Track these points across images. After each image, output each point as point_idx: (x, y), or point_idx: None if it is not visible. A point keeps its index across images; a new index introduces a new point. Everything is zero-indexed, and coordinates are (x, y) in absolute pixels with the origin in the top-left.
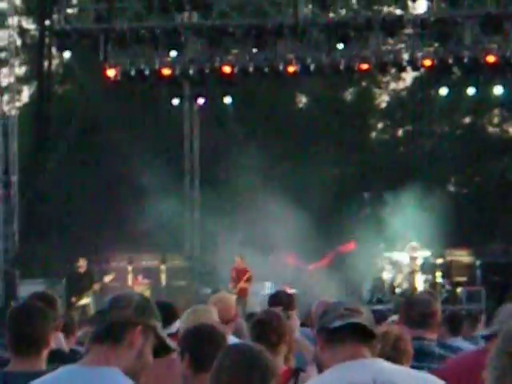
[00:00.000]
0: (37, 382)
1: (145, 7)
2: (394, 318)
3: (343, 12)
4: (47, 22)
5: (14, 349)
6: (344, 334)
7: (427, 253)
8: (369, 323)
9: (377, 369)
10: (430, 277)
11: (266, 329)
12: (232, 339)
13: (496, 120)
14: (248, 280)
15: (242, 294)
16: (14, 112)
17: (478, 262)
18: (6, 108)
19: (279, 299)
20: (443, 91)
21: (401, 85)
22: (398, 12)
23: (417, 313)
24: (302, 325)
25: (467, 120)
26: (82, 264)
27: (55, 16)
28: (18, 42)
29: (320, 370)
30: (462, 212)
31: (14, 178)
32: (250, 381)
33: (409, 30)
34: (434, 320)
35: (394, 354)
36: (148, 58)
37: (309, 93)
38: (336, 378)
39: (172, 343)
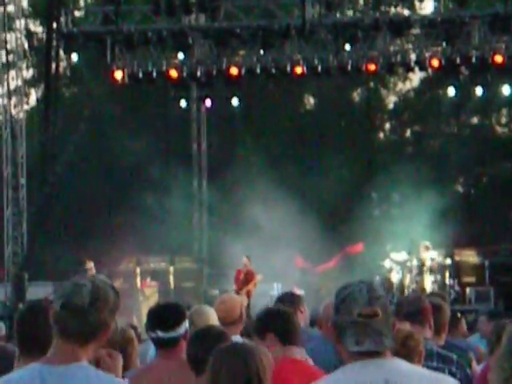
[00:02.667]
0: (2, 381)
1: (152, 9)
2: None
3: (350, 13)
4: (54, 25)
5: (20, 349)
6: None
7: (436, 253)
8: (384, 327)
9: (391, 369)
10: (438, 277)
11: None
12: (238, 339)
13: (504, 120)
14: (255, 284)
15: (248, 296)
16: (21, 115)
17: (486, 263)
18: (13, 111)
19: (286, 300)
20: (451, 91)
21: (408, 85)
22: (406, 12)
23: (405, 310)
24: (311, 325)
25: (475, 120)
26: (90, 266)
27: (62, 19)
28: (26, 45)
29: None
30: (471, 212)
31: (23, 181)
32: (247, 378)
33: (416, 31)
34: (422, 316)
35: (403, 352)
36: (155, 59)
37: (316, 94)
38: (348, 377)
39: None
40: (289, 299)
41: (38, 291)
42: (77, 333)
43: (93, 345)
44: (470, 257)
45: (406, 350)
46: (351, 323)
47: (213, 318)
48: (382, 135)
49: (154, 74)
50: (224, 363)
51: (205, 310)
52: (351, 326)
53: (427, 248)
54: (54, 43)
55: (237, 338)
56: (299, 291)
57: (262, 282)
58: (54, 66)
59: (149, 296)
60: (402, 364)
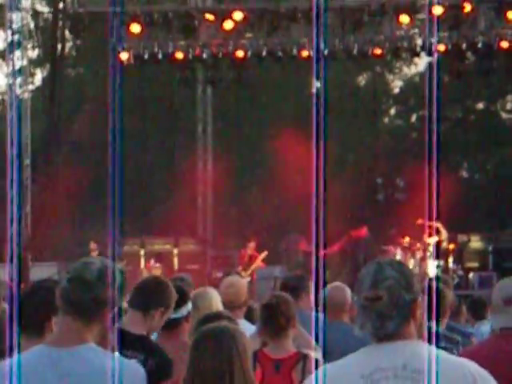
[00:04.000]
0: (9, 364)
1: None
2: None
3: None
4: (61, 5)
5: (21, 331)
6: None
7: (439, 238)
8: (391, 309)
9: (409, 353)
10: (442, 262)
11: (275, 312)
12: (243, 323)
13: (509, 106)
14: (258, 264)
15: (251, 278)
16: (26, 95)
17: (489, 248)
18: (18, 91)
19: (288, 283)
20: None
21: (414, 70)
22: None
23: None
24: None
25: (480, 105)
26: (94, 247)
27: None
28: (32, 25)
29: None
30: (475, 198)
31: (27, 161)
32: (229, 359)
33: (422, 15)
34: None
35: None
36: (161, 41)
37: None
38: (364, 360)
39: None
40: (295, 281)
41: (41, 271)
42: (83, 308)
43: (98, 324)
44: (474, 242)
45: None
46: (360, 306)
47: (216, 300)
48: (387, 120)
49: (160, 56)
50: (206, 344)
51: (208, 292)
52: (360, 308)
53: (430, 234)
54: (60, 23)
55: (242, 322)
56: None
57: (264, 257)
58: (59, 46)
59: None
60: (423, 347)
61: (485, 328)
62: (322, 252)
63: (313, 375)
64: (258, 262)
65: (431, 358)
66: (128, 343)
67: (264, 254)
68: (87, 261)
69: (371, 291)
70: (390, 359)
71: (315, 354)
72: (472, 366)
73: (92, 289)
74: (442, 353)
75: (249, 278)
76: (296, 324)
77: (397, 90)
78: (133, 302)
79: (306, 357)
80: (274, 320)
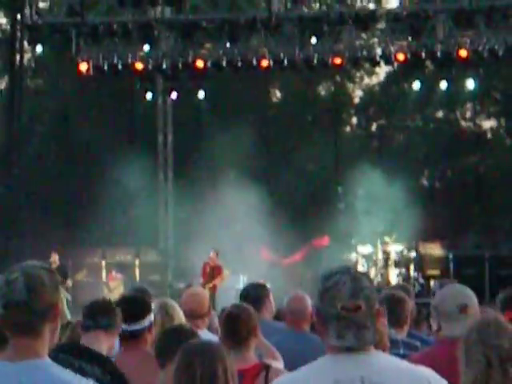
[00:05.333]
0: None
1: (117, 1)
2: None
3: (316, 6)
4: (19, 16)
5: None
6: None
7: (400, 246)
8: (367, 320)
9: (368, 365)
10: (403, 270)
11: (236, 323)
12: (206, 333)
13: (468, 114)
14: (222, 279)
15: (213, 291)
16: None
17: (450, 255)
18: None
19: (249, 292)
20: (416, 85)
21: (374, 79)
22: (371, 6)
23: None
24: (276, 318)
25: (440, 114)
26: (55, 259)
27: (27, 10)
28: None
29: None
30: (435, 205)
31: None
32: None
33: (382, 25)
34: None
35: None
36: (121, 52)
37: (282, 87)
38: (321, 371)
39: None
40: (255, 291)
41: None
42: (27, 326)
43: (48, 328)
44: (434, 250)
45: None
46: (334, 316)
47: (180, 311)
48: (348, 129)
49: (120, 67)
50: (194, 360)
51: (174, 303)
52: (334, 318)
53: (390, 243)
54: (19, 35)
55: (205, 332)
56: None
57: (228, 277)
58: (18, 57)
59: (113, 288)
60: (382, 358)
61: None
62: (284, 261)
63: None
64: (220, 279)
65: (389, 369)
66: (87, 359)
67: (226, 273)
68: (8, 279)
69: (350, 301)
70: (348, 371)
71: (277, 364)
72: (431, 375)
73: (28, 307)
74: (401, 362)
75: (209, 292)
76: (258, 334)
77: (357, 100)
78: (98, 321)
79: (268, 367)
80: (235, 331)
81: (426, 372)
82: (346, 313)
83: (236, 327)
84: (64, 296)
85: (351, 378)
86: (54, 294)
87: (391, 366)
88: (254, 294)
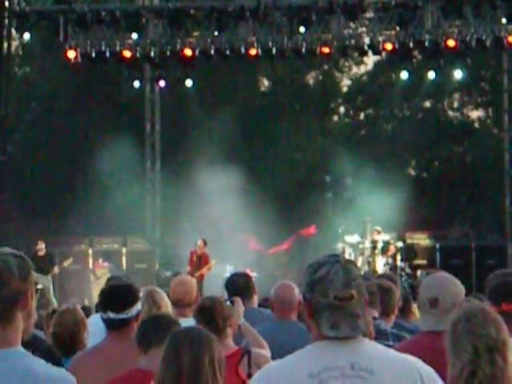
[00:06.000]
0: None
1: None
2: None
3: None
4: (6, 3)
5: None
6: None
7: (387, 236)
8: (359, 309)
9: (357, 352)
10: (390, 260)
11: (211, 314)
12: (191, 321)
13: (456, 104)
14: (209, 269)
15: (200, 279)
16: None
17: (437, 246)
18: None
19: (235, 282)
20: (404, 75)
21: (362, 69)
22: None
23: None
24: (263, 307)
25: (427, 104)
26: (42, 247)
27: None
28: None
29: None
30: (422, 195)
31: None
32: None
33: (370, 14)
34: (371, 299)
35: None
36: (109, 40)
37: (270, 76)
38: (311, 358)
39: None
40: (239, 280)
41: None
42: None
43: (19, 315)
44: (421, 240)
45: None
46: (327, 305)
47: (167, 300)
48: (336, 118)
49: (108, 54)
50: (181, 348)
51: (162, 291)
52: (327, 308)
53: (378, 232)
54: (6, 22)
55: (191, 320)
56: (252, 273)
57: (215, 266)
58: (5, 44)
59: (100, 276)
60: (371, 346)
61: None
62: (270, 250)
63: (259, 372)
64: (207, 268)
65: (378, 357)
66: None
67: (213, 263)
68: None
69: (343, 291)
70: (338, 358)
71: (264, 352)
72: (419, 364)
73: None
74: (390, 351)
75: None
76: (233, 325)
77: (345, 89)
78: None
79: (249, 351)
80: (211, 322)
81: (415, 361)
82: (340, 302)
83: (212, 318)
84: (49, 283)
85: (341, 365)
86: (24, 282)
87: (381, 353)
88: (239, 283)
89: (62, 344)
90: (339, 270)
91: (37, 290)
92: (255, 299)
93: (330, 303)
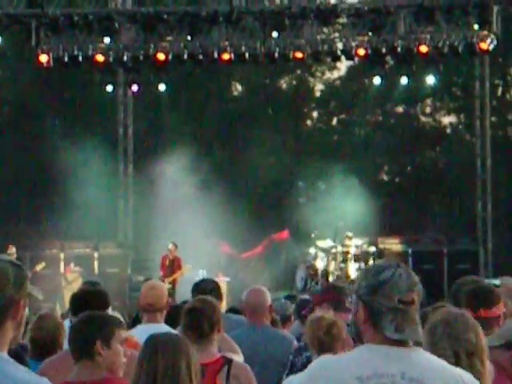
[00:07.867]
0: None
1: None
2: None
3: (278, 0)
4: None
5: None
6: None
7: (360, 241)
8: (418, 315)
9: (409, 361)
10: (362, 264)
11: (199, 317)
12: (164, 327)
13: (428, 109)
14: (182, 274)
15: (173, 284)
16: None
17: (409, 251)
18: None
19: (202, 287)
20: (376, 80)
21: (335, 74)
22: (333, 1)
23: (330, 298)
24: (235, 312)
25: (400, 109)
26: (12, 252)
27: None
28: None
29: (359, 337)
30: (395, 201)
31: None
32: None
33: (343, 20)
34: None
35: (327, 339)
36: (81, 44)
37: (243, 81)
38: (362, 361)
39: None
40: (206, 288)
41: None
42: None
43: (9, 324)
44: (394, 245)
45: (329, 337)
46: (391, 309)
47: None
48: (309, 123)
49: (80, 58)
50: (157, 354)
51: None
52: (390, 311)
53: (350, 238)
54: None
55: (162, 326)
56: (224, 278)
57: (190, 271)
58: None
59: (71, 281)
60: (424, 355)
61: None
62: (243, 255)
63: (314, 365)
64: (180, 273)
65: (430, 367)
66: None
67: (189, 267)
68: None
69: (407, 294)
70: (390, 365)
71: (237, 357)
72: (466, 377)
73: None
74: (439, 360)
75: (170, 286)
76: (221, 329)
77: (318, 94)
78: None
79: (230, 361)
80: (197, 325)
81: (458, 370)
82: (403, 306)
83: (198, 322)
84: (37, 293)
85: (392, 373)
86: (18, 291)
87: (432, 363)
88: (206, 289)
89: (41, 348)
90: (403, 273)
91: None
92: (223, 305)
93: (394, 306)
